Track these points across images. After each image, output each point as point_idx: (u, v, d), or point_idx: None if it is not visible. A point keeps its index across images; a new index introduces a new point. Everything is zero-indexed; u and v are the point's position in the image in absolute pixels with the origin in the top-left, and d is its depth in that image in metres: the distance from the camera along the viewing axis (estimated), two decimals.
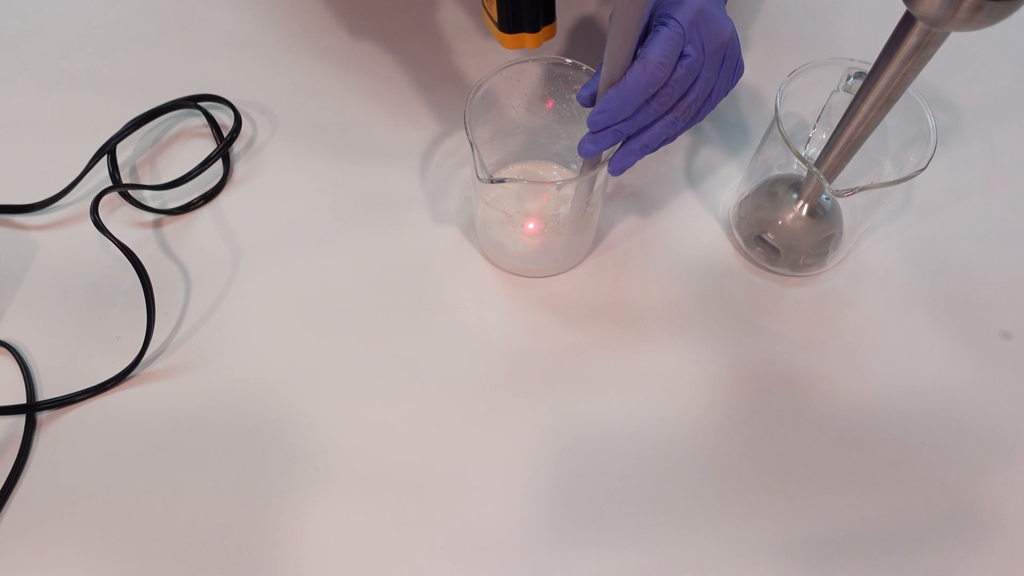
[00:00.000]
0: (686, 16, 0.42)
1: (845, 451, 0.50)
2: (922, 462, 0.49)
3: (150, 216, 0.58)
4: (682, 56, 0.42)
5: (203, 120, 0.62)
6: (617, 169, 0.46)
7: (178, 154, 0.61)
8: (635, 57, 0.41)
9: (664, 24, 0.42)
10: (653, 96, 0.43)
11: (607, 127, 0.43)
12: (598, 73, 0.42)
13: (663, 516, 0.47)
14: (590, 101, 0.44)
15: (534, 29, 0.47)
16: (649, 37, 0.42)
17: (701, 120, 0.47)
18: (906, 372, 0.53)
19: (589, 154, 0.45)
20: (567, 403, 0.51)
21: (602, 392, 0.51)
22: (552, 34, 0.48)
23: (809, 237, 0.54)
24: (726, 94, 0.48)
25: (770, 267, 0.56)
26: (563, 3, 0.60)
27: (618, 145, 0.46)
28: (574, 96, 0.52)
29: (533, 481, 0.48)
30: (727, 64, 0.46)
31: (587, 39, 0.67)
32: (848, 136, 0.46)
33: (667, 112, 0.45)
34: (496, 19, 0.47)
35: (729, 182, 0.60)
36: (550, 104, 0.54)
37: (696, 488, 0.48)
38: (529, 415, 0.50)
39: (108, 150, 0.59)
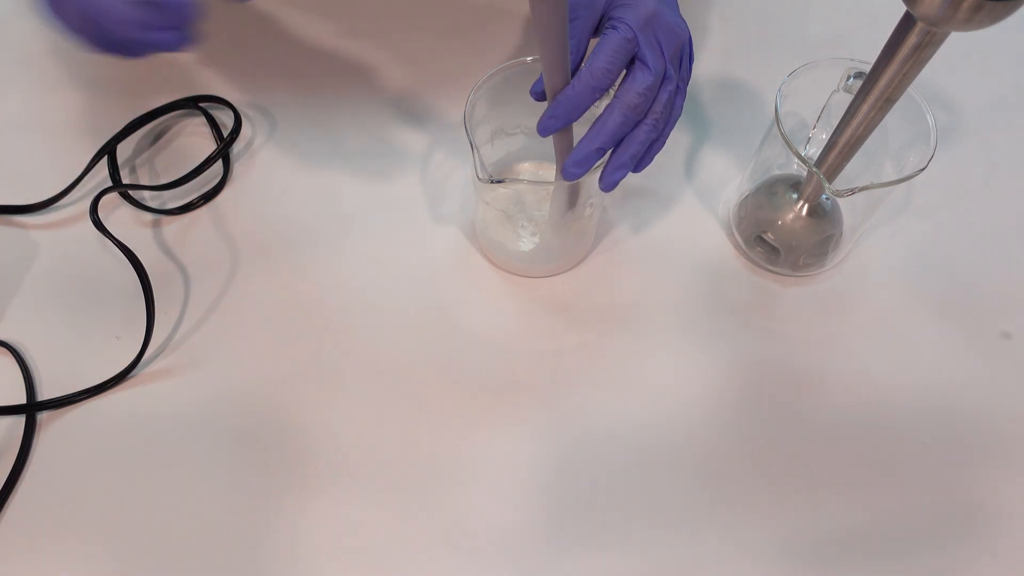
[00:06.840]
0: (637, 20, 0.41)
1: (845, 451, 0.50)
2: (922, 462, 0.49)
3: (150, 216, 0.58)
4: (643, 64, 0.42)
5: (203, 120, 0.62)
6: (608, 184, 0.45)
7: (178, 154, 0.61)
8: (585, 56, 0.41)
9: (614, 28, 0.41)
10: (632, 109, 0.42)
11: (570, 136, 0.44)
12: None
13: (664, 515, 0.47)
14: (543, 96, 0.44)
15: None
16: (599, 41, 0.41)
17: (679, 115, 0.46)
18: (906, 372, 0.53)
19: (574, 178, 0.44)
20: (567, 403, 0.51)
21: (602, 392, 0.51)
22: None
23: (809, 237, 0.54)
24: (687, 82, 0.47)
25: (770, 267, 0.56)
26: None
27: (605, 158, 0.45)
28: None
29: (533, 481, 0.48)
30: (684, 62, 0.46)
31: None
32: (848, 136, 0.46)
33: (641, 120, 0.44)
34: None
35: (729, 182, 0.60)
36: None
37: (696, 488, 0.48)
38: (529, 415, 0.50)
39: (108, 150, 0.59)
